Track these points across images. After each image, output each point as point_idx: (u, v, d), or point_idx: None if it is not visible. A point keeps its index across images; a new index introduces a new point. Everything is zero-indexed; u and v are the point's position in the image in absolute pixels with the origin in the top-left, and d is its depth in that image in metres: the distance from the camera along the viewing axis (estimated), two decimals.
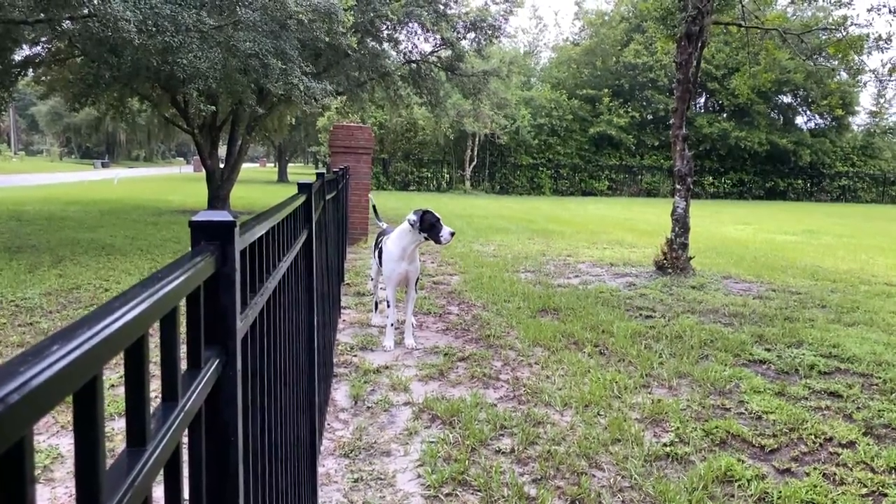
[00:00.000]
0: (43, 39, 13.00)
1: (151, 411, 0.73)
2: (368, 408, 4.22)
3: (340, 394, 4.45)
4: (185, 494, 0.89)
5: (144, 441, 0.69)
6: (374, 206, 7.79)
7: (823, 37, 11.70)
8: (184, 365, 0.89)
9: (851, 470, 3.50)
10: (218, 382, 1.00)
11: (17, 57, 13.46)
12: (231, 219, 1.01)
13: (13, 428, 0.42)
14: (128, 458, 0.67)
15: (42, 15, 9.69)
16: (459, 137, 35.08)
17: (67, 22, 10.28)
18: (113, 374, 4.33)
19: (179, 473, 0.82)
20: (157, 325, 0.77)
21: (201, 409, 0.93)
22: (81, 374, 0.53)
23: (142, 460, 0.67)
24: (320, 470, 3.28)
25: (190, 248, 1.00)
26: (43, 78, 15.46)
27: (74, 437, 0.57)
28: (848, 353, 5.58)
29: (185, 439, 0.88)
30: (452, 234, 5.46)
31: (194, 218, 1.01)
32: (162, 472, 0.77)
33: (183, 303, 0.86)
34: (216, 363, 0.98)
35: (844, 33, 10.75)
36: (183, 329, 0.87)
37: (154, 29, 8.97)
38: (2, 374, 0.44)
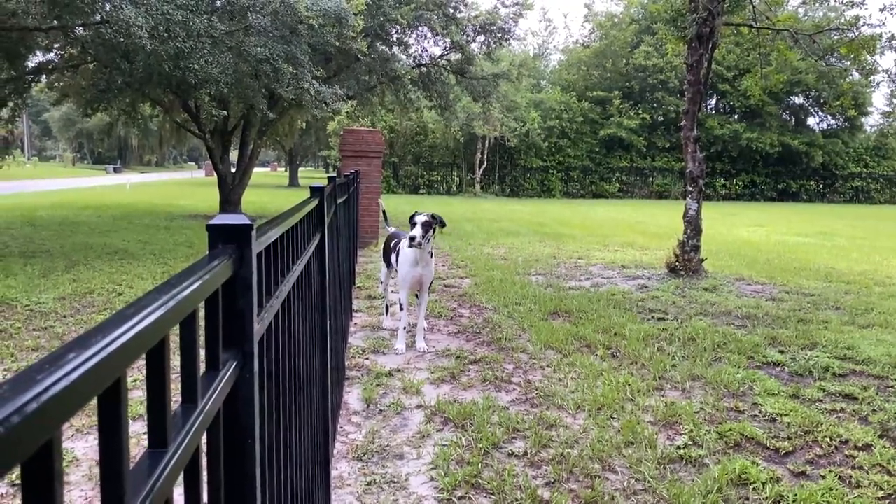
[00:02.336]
0: (56, 46, 13.14)
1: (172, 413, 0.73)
2: (381, 411, 4.23)
3: (353, 397, 4.46)
4: (204, 497, 0.90)
5: (166, 443, 0.70)
6: (383, 211, 7.80)
7: (835, 37, 11.63)
8: (201, 367, 0.90)
9: (867, 473, 3.47)
10: (235, 385, 1.01)
11: (31, 63, 13.60)
12: (248, 222, 1.02)
13: (39, 432, 0.43)
14: (149, 460, 0.67)
15: (55, 22, 9.78)
16: (469, 140, 35.10)
17: (80, 28, 10.38)
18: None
19: (199, 475, 0.83)
20: (176, 327, 0.77)
21: (219, 411, 0.93)
22: (106, 377, 0.53)
23: (163, 462, 0.68)
24: (333, 473, 3.28)
25: (205, 252, 1.00)
26: (56, 84, 15.60)
27: (99, 439, 0.57)
28: (863, 356, 5.54)
29: (203, 441, 0.88)
30: (420, 222, 5.42)
31: (212, 221, 1.01)
32: (182, 473, 0.77)
33: (201, 305, 0.87)
34: (234, 365, 0.99)
35: (857, 33, 10.68)
36: (201, 332, 0.87)
37: (166, 34, 9.03)
38: (28, 378, 0.44)
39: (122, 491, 0.58)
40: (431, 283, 5.98)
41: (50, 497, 0.45)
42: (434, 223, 5.51)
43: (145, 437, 0.73)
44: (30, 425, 0.41)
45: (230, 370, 0.97)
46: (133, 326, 0.59)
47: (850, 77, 35.94)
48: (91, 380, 0.49)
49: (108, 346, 0.53)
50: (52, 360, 0.48)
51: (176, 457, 0.71)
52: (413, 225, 5.41)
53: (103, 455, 0.57)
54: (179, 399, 0.82)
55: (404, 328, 5.64)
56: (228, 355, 0.99)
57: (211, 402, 0.86)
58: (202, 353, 0.89)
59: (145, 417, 0.72)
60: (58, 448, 0.45)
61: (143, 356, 0.66)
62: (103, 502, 0.58)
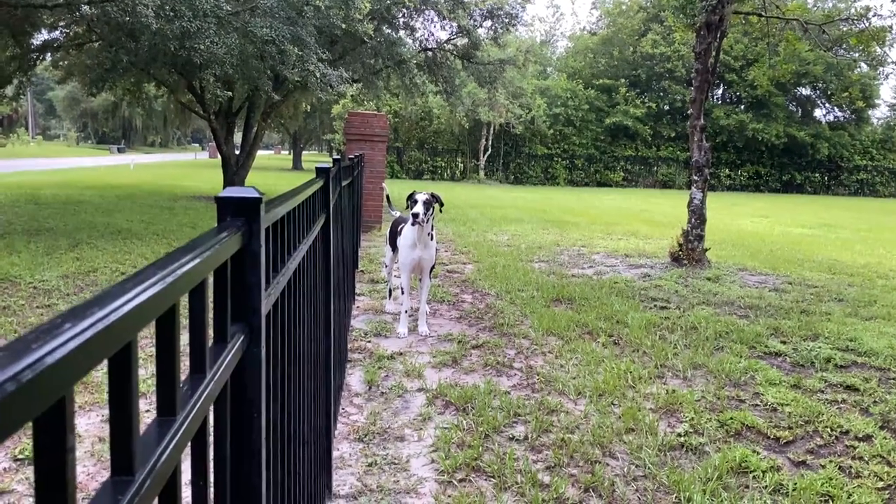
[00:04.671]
0: (61, 24, 13.07)
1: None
2: (382, 393, 4.24)
3: (355, 379, 4.47)
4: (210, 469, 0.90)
5: (174, 410, 0.69)
6: (387, 196, 7.78)
7: (845, 28, 11.54)
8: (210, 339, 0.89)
9: (867, 463, 3.47)
10: (243, 358, 1.00)
11: (36, 41, 13.55)
12: (258, 195, 1.01)
13: (53, 387, 0.42)
14: (158, 427, 0.67)
15: None
16: (474, 127, 34.96)
17: (86, 6, 10.32)
18: None
19: (207, 445, 0.82)
20: (184, 299, 0.77)
21: (227, 383, 0.93)
22: (117, 339, 0.53)
23: (172, 429, 0.67)
24: (335, 453, 3.30)
25: (213, 227, 1.00)
26: (61, 62, 15.55)
27: (109, 404, 0.57)
28: (865, 347, 5.53)
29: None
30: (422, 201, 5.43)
31: (221, 194, 1.00)
32: (189, 443, 0.77)
33: (211, 278, 0.86)
34: (241, 339, 0.98)
35: (867, 24, 10.59)
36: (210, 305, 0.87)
37: (172, 14, 8.99)
38: (37, 337, 0.44)
39: (131, 457, 0.58)
40: (433, 267, 5.97)
41: (62, 452, 0.44)
42: (434, 202, 5.51)
43: (149, 412, 0.72)
44: (42, 381, 0.41)
45: (238, 343, 0.96)
46: (144, 290, 0.59)
47: (859, 69, 35.74)
48: (103, 340, 0.49)
49: (119, 307, 0.53)
50: (67, 319, 0.47)
51: (185, 425, 0.71)
52: (414, 203, 5.40)
53: (114, 419, 0.57)
54: (188, 371, 0.82)
55: (406, 312, 5.65)
56: (236, 328, 0.98)
57: (219, 373, 0.85)
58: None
59: (150, 393, 0.71)
60: (70, 405, 0.45)
61: (154, 323, 0.66)
62: (113, 468, 0.58)
